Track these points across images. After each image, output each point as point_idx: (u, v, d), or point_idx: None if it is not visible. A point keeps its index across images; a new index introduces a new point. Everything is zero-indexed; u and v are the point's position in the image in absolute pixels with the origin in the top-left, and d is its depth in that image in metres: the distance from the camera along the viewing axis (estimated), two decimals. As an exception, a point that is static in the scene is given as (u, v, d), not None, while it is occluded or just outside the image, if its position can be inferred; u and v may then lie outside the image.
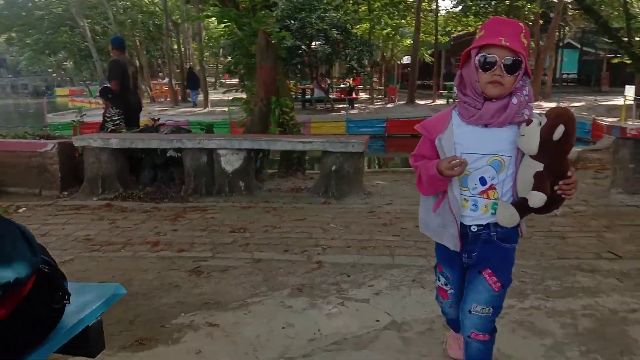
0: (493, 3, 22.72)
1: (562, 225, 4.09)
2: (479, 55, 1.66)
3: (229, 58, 15.49)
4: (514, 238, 1.79)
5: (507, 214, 1.69)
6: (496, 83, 1.64)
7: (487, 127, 1.70)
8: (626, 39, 12.59)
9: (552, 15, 21.07)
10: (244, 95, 9.91)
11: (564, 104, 14.62)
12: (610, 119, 13.39)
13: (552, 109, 1.67)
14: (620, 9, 16.43)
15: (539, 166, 1.64)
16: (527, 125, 1.64)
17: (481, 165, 1.71)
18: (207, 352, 2.45)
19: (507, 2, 21.34)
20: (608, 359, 2.27)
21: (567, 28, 25.80)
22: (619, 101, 16.46)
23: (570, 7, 22.49)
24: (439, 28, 24.17)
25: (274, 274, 3.37)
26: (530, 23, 20.59)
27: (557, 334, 2.50)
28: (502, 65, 1.62)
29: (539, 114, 1.71)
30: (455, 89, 1.77)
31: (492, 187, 1.72)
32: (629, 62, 12.01)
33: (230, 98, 10.31)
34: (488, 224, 1.74)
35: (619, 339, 2.44)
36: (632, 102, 14.55)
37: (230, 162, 5.52)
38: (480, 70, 1.65)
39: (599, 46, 25.08)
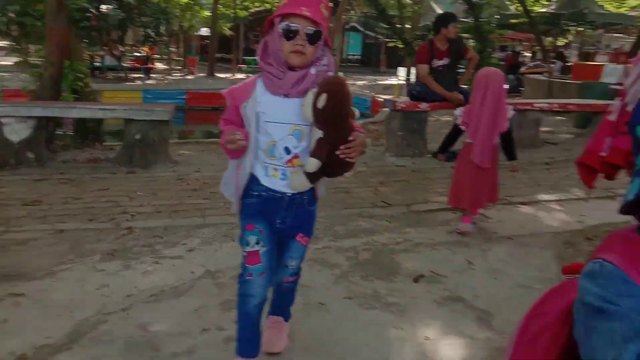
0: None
1: (348, 183, 4.78)
2: (283, 23, 1.68)
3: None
4: (315, 200, 1.96)
5: (297, 179, 1.77)
6: (298, 52, 1.68)
7: (288, 97, 1.73)
8: (399, 25, 14.48)
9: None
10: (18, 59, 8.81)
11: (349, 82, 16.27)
12: (386, 96, 15.38)
13: (324, 79, 1.72)
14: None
15: (320, 133, 1.71)
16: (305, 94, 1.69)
17: (284, 134, 1.75)
18: (15, 319, 2.37)
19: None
20: (380, 279, 2.88)
21: (352, 12, 28.30)
22: (393, 80, 18.94)
23: (355, -7, 24.72)
24: (238, 2, 24.36)
25: (81, 243, 3.30)
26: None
27: (343, 265, 3.05)
28: (304, 35, 1.67)
29: None
30: (257, 58, 1.77)
31: (296, 156, 1.78)
32: (401, 46, 13.82)
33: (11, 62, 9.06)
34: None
35: (388, 265, 3.09)
36: (403, 82, 16.91)
37: (16, 132, 5.00)
38: (283, 38, 1.68)
39: (379, 31, 28.18)
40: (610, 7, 17.91)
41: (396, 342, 2.30)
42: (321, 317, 2.47)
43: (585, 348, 0.99)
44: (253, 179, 1.85)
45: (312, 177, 1.76)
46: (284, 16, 1.69)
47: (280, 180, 1.81)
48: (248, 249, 1.85)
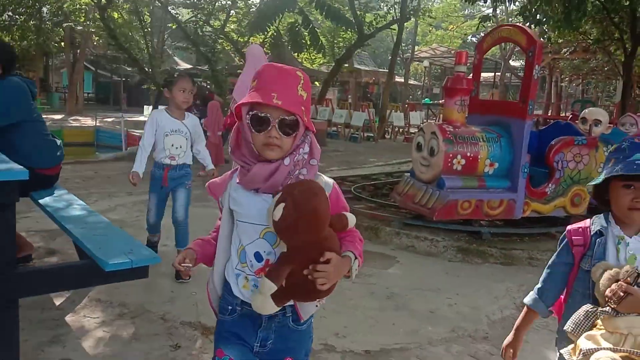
0: None
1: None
2: (251, 113, 1.42)
3: None
4: (302, 319, 1.57)
5: (257, 299, 1.41)
6: (273, 145, 1.41)
7: (259, 193, 1.47)
8: (149, 70, 17.14)
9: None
10: None
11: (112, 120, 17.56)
12: (140, 131, 17.36)
13: (290, 183, 1.43)
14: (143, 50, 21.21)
15: (284, 246, 1.41)
16: (274, 195, 1.39)
17: (254, 238, 1.49)
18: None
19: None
20: None
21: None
22: (141, 117, 21.00)
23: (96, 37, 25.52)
24: None
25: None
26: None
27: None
28: (276, 126, 1.40)
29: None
30: (230, 147, 1.52)
31: (268, 264, 1.48)
32: (154, 87, 16.46)
33: None
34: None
35: None
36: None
37: None
38: (253, 130, 1.42)
39: (114, 71, 29.53)
40: (307, 64, 24.48)
41: None
42: None
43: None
44: (227, 288, 1.58)
45: (276, 298, 1.41)
46: (253, 104, 1.42)
47: (252, 293, 1.49)
48: None
